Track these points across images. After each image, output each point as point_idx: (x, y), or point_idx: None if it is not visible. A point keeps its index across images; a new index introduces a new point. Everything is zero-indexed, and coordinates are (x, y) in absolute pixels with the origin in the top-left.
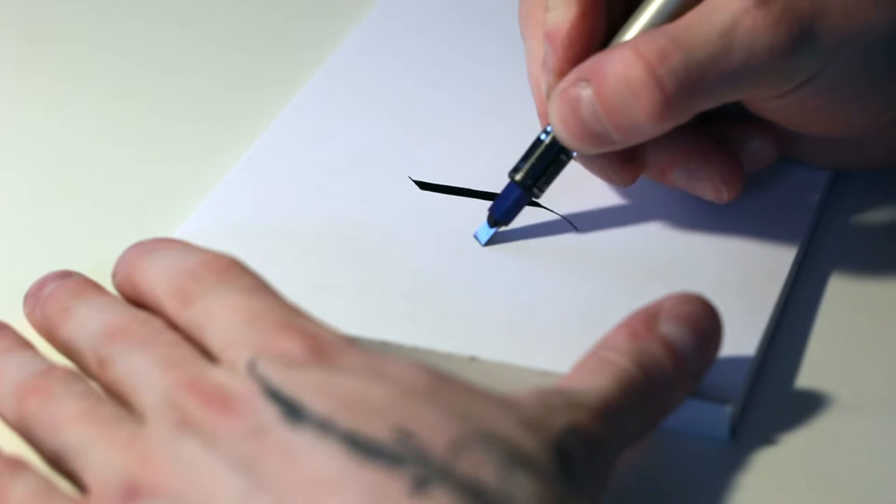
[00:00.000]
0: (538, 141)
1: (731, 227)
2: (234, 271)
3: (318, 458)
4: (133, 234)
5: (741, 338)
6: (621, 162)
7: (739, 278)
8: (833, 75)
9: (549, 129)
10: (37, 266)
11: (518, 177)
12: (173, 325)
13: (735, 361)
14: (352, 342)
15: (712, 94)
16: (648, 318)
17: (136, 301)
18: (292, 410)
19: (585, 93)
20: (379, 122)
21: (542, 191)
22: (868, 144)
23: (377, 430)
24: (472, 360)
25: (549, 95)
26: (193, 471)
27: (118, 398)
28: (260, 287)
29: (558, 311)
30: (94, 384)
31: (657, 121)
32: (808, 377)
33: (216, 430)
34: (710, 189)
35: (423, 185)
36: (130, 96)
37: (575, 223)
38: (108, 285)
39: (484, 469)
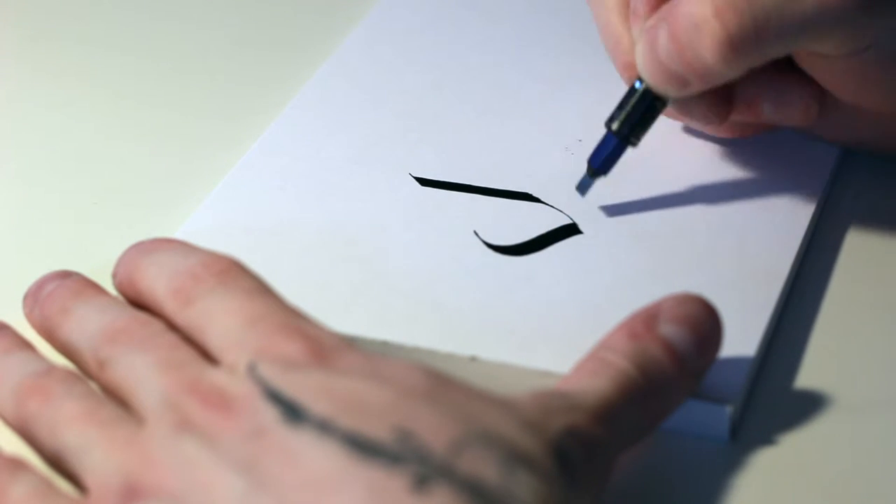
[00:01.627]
0: (632, 90)
1: (732, 227)
2: (234, 272)
3: (318, 459)
4: (133, 235)
5: (741, 338)
6: (713, 103)
7: (740, 278)
8: None
9: (641, 77)
10: (37, 266)
11: (615, 126)
12: (173, 326)
13: (735, 362)
14: (351, 344)
15: (779, 39)
16: (648, 318)
17: (136, 301)
18: (292, 411)
19: (662, 32)
20: (379, 122)
21: (638, 138)
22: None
23: (377, 430)
24: (473, 360)
25: (636, 40)
26: (193, 471)
27: (118, 399)
28: (260, 288)
29: (558, 311)
30: (93, 385)
31: (722, 60)
32: (808, 377)
33: (216, 431)
34: (801, 110)
35: (424, 182)
36: (130, 96)
37: (577, 223)
38: (108, 285)
39: (485, 467)
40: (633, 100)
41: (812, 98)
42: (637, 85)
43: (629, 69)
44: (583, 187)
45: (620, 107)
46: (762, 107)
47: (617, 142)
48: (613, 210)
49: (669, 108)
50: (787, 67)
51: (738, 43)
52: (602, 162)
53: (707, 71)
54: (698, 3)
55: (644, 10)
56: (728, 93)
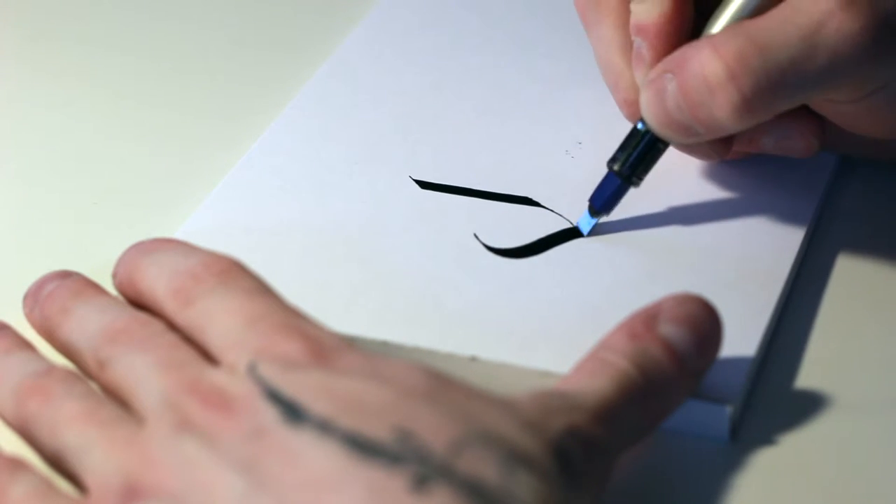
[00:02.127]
0: (635, 130)
1: (732, 228)
2: (234, 272)
3: (318, 459)
4: (133, 235)
5: (741, 338)
6: (715, 144)
7: (740, 278)
8: None
9: (644, 121)
10: (37, 266)
11: (616, 167)
12: (173, 326)
13: (735, 362)
14: (351, 344)
15: (792, 95)
16: (648, 319)
17: (137, 301)
18: (292, 411)
19: (671, 85)
20: (379, 122)
21: (640, 179)
22: None
23: (377, 430)
24: (473, 360)
25: (640, 86)
26: (193, 472)
27: (118, 399)
28: (260, 288)
29: (559, 311)
30: (93, 385)
31: (736, 119)
32: (808, 378)
33: (216, 431)
34: (802, 145)
35: (425, 185)
36: (130, 96)
37: (577, 227)
38: (108, 285)
39: (485, 467)
40: (636, 142)
41: (813, 134)
42: (640, 126)
43: (629, 106)
44: (584, 226)
45: (622, 148)
46: (763, 141)
47: (619, 182)
48: (613, 211)
49: (674, 144)
50: None
51: (753, 103)
52: (604, 203)
53: (718, 126)
54: (710, 62)
55: (649, 57)
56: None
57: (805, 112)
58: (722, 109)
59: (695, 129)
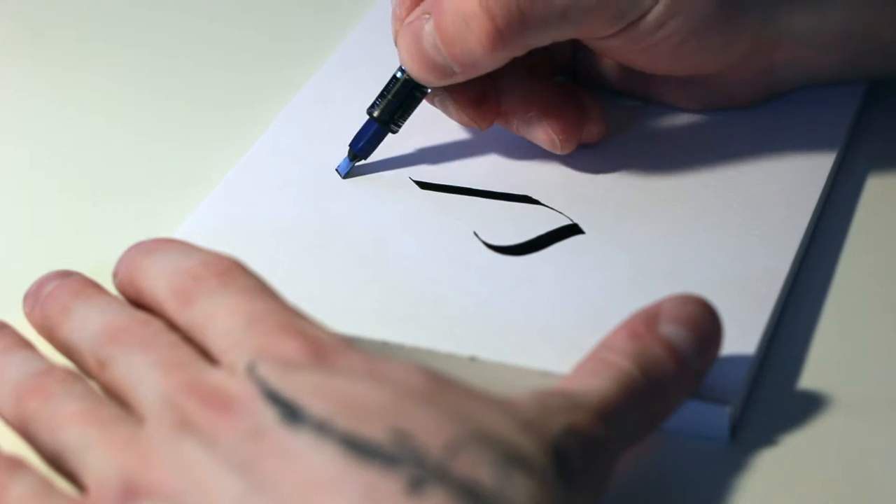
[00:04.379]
0: (394, 78)
1: (731, 227)
2: (234, 272)
3: (315, 460)
4: (133, 234)
5: (741, 337)
6: (472, 104)
7: (740, 277)
8: (664, 13)
9: (403, 67)
10: (37, 266)
11: (375, 113)
12: (174, 326)
13: (735, 361)
14: (351, 344)
15: (542, 28)
16: (649, 319)
17: (137, 301)
18: (291, 412)
19: (427, 25)
20: None
21: (398, 125)
22: (725, 83)
23: (374, 431)
24: (473, 360)
25: (393, 36)
26: (192, 472)
27: (118, 399)
28: (260, 288)
29: (559, 311)
30: (93, 384)
31: (490, 51)
32: (809, 377)
33: (215, 431)
34: (546, 140)
35: (424, 185)
36: (131, 96)
37: (577, 223)
38: (109, 285)
39: (480, 469)
40: (395, 88)
41: (558, 131)
42: (398, 74)
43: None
44: (342, 169)
45: (382, 95)
46: (515, 124)
47: (377, 127)
48: (613, 211)
49: (433, 102)
50: (550, 93)
51: (505, 34)
52: (362, 147)
53: (473, 62)
54: None
55: (402, 12)
56: (484, 98)
57: (560, 104)
58: (479, 41)
59: (451, 68)
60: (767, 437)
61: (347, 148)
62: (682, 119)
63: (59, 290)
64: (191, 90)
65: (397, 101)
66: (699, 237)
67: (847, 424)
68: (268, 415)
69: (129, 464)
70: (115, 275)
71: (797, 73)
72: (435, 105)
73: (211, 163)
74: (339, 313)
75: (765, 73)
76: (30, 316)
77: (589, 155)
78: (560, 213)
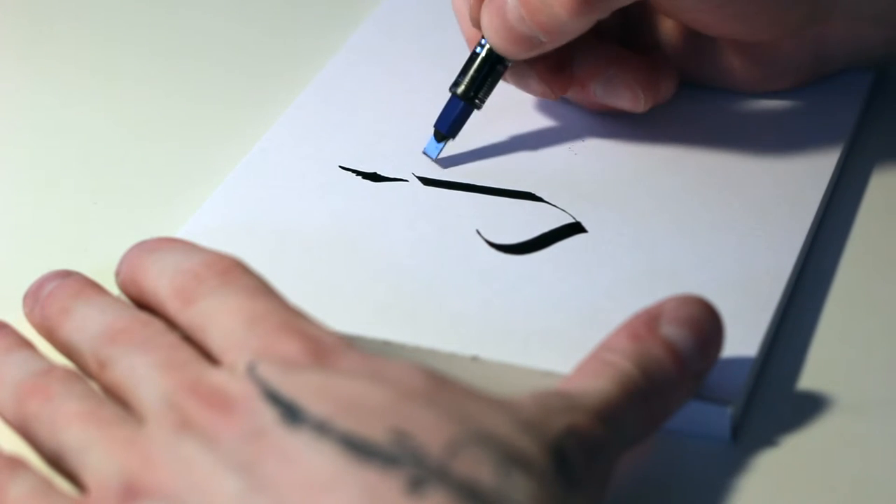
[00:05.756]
0: (474, 54)
1: (733, 227)
2: (236, 272)
3: (315, 460)
4: (135, 234)
5: (743, 338)
6: (551, 73)
7: (741, 278)
8: None
9: (483, 41)
10: (37, 266)
11: (459, 90)
12: (175, 326)
13: (736, 362)
14: (351, 344)
15: None
16: (650, 320)
17: (140, 300)
18: (291, 412)
19: (510, 0)
20: (381, 121)
21: (482, 101)
22: (777, 57)
23: (374, 431)
24: (474, 359)
25: (472, 16)
26: (192, 472)
27: (118, 399)
28: (261, 288)
29: (560, 311)
30: (94, 385)
31: (576, 15)
32: (810, 378)
33: (215, 431)
34: (629, 96)
35: (427, 181)
36: (132, 96)
37: (580, 221)
38: (110, 285)
39: (480, 469)
40: (476, 63)
41: (640, 86)
42: (478, 50)
43: (473, 41)
44: (431, 151)
45: (463, 72)
46: (593, 88)
47: (462, 105)
48: (615, 211)
49: (510, 77)
50: (625, 53)
51: None
52: (450, 126)
53: (560, 28)
54: None
55: None
56: (560, 68)
57: (636, 63)
58: (562, 7)
59: (538, 38)
60: (769, 438)
61: (433, 129)
62: (685, 120)
63: (59, 290)
64: (193, 89)
65: (480, 77)
66: (701, 237)
67: (849, 425)
68: (268, 415)
69: (130, 464)
70: (117, 274)
71: (846, 49)
72: (507, 80)
73: (213, 162)
74: (340, 312)
75: (816, 48)
76: (30, 316)
77: (592, 153)
78: (563, 210)
